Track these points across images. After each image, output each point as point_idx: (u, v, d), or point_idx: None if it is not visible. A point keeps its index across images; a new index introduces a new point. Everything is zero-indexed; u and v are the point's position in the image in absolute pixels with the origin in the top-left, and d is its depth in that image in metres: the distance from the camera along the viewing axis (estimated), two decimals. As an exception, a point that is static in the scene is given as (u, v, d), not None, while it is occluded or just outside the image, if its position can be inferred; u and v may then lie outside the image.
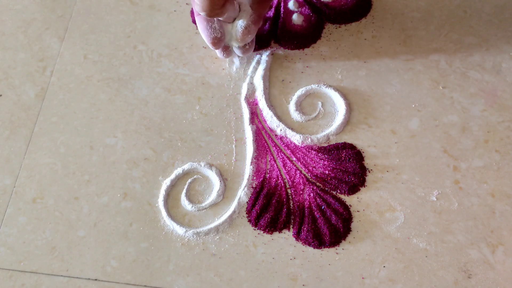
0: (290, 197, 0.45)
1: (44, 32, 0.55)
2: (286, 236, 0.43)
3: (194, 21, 0.54)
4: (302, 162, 0.46)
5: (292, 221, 0.44)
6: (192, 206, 0.45)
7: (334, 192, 0.45)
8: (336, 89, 0.49)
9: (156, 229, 0.44)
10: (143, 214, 0.45)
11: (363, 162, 0.46)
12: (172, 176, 0.46)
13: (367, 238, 0.43)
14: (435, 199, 0.44)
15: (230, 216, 0.44)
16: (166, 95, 0.50)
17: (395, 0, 0.53)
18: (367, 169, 0.45)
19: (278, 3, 0.53)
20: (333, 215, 0.43)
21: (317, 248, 0.43)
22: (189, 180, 0.46)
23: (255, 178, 0.46)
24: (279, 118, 0.48)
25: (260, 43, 0.51)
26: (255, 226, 0.44)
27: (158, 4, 0.55)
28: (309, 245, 0.43)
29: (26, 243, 0.44)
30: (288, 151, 0.47)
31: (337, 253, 0.42)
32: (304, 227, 0.43)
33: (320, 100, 0.49)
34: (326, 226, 0.43)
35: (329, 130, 0.47)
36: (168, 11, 0.55)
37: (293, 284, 0.42)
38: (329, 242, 0.43)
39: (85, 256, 0.43)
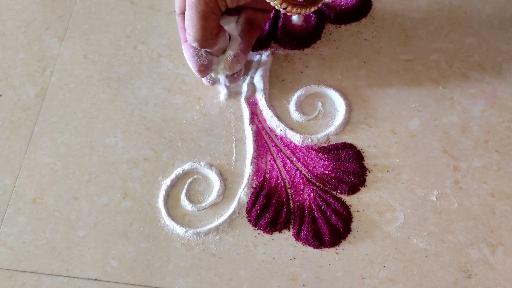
0: (290, 197, 0.45)
1: (44, 32, 0.55)
2: (286, 236, 0.43)
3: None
4: (302, 162, 0.46)
5: (292, 221, 0.44)
6: (192, 206, 0.45)
7: (334, 192, 0.45)
8: (336, 89, 0.49)
9: (156, 229, 0.44)
10: (143, 214, 0.45)
11: (363, 162, 0.46)
12: (172, 176, 0.46)
13: (367, 238, 0.43)
14: (435, 199, 0.44)
15: (230, 216, 0.44)
16: (166, 95, 0.50)
17: (395, 0, 0.53)
18: (367, 169, 0.45)
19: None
20: (333, 215, 0.43)
21: (317, 248, 0.43)
22: (189, 180, 0.46)
23: (255, 178, 0.46)
24: (279, 118, 0.48)
25: (260, 43, 0.51)
26: (255, 226, 0.44)
27: (158, 4, 0.55)
28: (309, 245, 0.43)
29: (26, 243, 0.44)
30: (288, 151, 0.47)
31: (337, 253, 0.42)
32: (304, 227, 0.43)
33: (320, 100, 0.49)
34: (326, 226, 0.43)
35: (329, 130, 0.47)
36: (168, 11, 0.55)
37: (293, 284, 0.42)
38: (329, 242, 0.43)
39: (85, 256, 0.43)
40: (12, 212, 0.46)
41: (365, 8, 0.53)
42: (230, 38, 0.45)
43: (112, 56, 0.53)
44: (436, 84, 0.49)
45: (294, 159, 0.46)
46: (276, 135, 0.47)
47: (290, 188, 0.45)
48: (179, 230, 0.44)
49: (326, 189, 0.45)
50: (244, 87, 0.50)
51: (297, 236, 0.43)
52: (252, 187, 0.45)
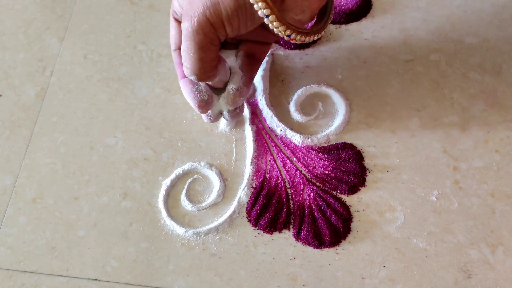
0: (290, 197, 0.45)
1: (44, 32, 0.55)
2: (286, 236, 0.43)
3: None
4: (302, 162, 0.46)
5: (292, 221, 0.44)
6: (192, 206, 0.45)
7: (334, 192, 0.45)
8: (336, 89, 0.49)
9: (156, 229, 0.44)
10: (143, 214, 0.45)
11: (363, 162, 0.46)
12: (172, 176, 0.46)
13: (367, 238, 0.43)
14: (435, 199, 0.44)
15: (230, 216, 0.44)
16: (166, 95, 0.50)
17: (395, 0, 0.53)
18: (367, 169, 0.45)
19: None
20: (333, 215, 0.43)
21: (317, 248, 0.43)
22: (189, 180, 0.46)
23: (255, 178, 0.46)
24: (279, 118, 0.48)
25: (260, 43, 0.51)
26: (255, 226, 0.44)
27: (158, 4, 0.55)
28: (309, 245, 0.43)
29: (26, 243, 0.44)
30: (288, 151, 0.47)
31: (337, 253, 0.42)
32: (304, 227, 0.43)
33: (320, 100, 0.49)
34: (326, 226, 0.43)
35: (329, 130, 0.47)
36: (168, 11, 0.55)
37: (293, 284, 0.42)
38: (329, 242, 0.43)
39: (85, 256, 0.43)
40: (12, 212, 0.46)
41: (365, 8, 0.53)
42: (230, 71, 0.43)
43: (112, 56, 0.53)
44: (436, 84, 0.49)
45: (294, 159, 0.46)
46: (276, 135, 0.47)
47: (290, 188, 0.45)
48: (179, 230, 0.44)
49: (326, 189, 0.45)
50: (244, 87, 0.50)
51: (297, 236, 0.43)
52: (252, 187, 0.45)
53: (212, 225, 0.44)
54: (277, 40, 0.51)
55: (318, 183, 0.45)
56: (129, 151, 0.48)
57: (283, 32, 0.37)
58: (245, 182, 0.45)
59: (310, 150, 0.46)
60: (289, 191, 0.45)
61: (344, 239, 0.43)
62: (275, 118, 0.48)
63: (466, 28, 0.51)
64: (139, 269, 0.43)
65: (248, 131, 0.48)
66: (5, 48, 0.54)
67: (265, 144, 0.47)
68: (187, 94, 0.43)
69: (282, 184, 0.45)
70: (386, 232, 0.43)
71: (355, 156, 0.46)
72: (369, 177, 0.45)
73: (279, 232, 0.44)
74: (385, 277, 0.41)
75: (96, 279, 0.43)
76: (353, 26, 0.52)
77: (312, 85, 0.49)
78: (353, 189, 0.45)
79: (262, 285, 0.42)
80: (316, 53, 0.51)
